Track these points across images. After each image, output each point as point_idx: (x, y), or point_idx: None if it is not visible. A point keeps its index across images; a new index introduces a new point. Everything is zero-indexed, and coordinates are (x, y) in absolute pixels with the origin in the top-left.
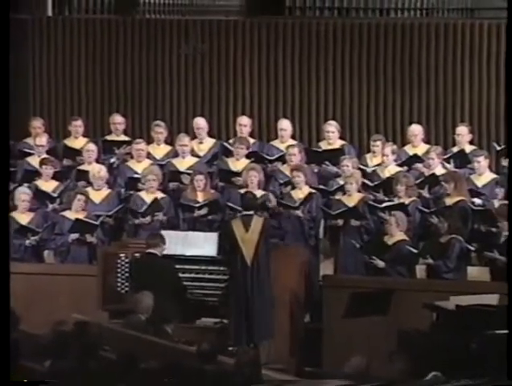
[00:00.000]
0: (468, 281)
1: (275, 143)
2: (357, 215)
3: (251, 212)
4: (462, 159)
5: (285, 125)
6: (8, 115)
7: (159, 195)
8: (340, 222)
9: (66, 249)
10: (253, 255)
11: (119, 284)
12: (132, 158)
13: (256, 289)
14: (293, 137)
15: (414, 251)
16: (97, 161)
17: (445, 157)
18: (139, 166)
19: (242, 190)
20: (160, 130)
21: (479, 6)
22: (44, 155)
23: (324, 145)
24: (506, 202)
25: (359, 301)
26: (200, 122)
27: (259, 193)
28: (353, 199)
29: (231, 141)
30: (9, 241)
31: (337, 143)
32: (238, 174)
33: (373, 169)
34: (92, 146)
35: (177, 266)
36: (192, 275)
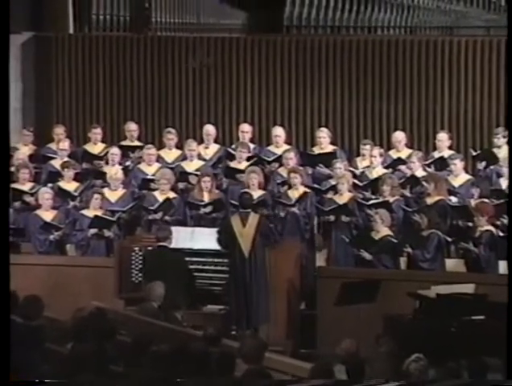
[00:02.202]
0: (447, 272)
1: (271, 148)
2: (348, 212)
3: (248, 210)
4: (442, 164)
5: (279, 131)
6: (8, 119)
7: (171, 194)
8: (332, 218)
9: (86, 243)
10: (250, 248)
11: (133, 274)
12: (144, 161)
13: (253, 278)
14: (289, 142)
15: (395, 241)
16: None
17: (426, 163)
18: (150, 169)
19: (241, 191)
20: (171, 136)
21: (457, 25)
22: (66, 158)
23: (316, 150)
24: (483, 199)
25: (349, 290)
26: (210, 129)
27: (259, 193)
28: (344, 197)
29: (233, 146)
30: (8, 240)
31: (328, 148)
32: (241, 171)
33: (362, 171)
34: (116, 150)
35: (186, 258)
36: (199, 267)
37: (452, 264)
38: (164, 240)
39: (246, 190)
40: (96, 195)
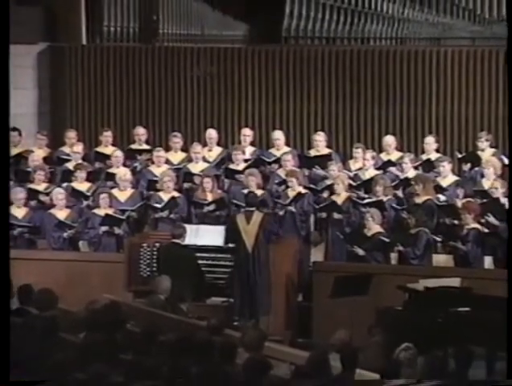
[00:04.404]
0: (435, 267)
1: (272, 150)
2: (339, 210)
3: (253, 208)
4: (429, 166)
5: (278, 135)
6: (8, 122)
7: (175, 194)
8: (324, 214)
9: (98, 240)
10: (253, 244)
11: (142, 269)
12: (153, 163)
13: (256, 272)
14: (288, 144)
15: (387, 240)
16: (124, 165)
17: (415, 165)
18: (159, 170)
19: (246, 191)
20: (177, 140)
21: (444, 36)
22: (79, 161)
23: (313, 153)
24: (470, 199)
25: (343, 284)
26: (212, 133)
27: (259, 193)
28: (340, 197)
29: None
30: (8, 239)
31: (324, 150)
32: (239, 172)
33: (356, 172)
34: (119, 153)
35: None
36: (203, 261)
37: (443, 259)
38: (179, 237)
39: (252, 189)
40: (102, 195)
